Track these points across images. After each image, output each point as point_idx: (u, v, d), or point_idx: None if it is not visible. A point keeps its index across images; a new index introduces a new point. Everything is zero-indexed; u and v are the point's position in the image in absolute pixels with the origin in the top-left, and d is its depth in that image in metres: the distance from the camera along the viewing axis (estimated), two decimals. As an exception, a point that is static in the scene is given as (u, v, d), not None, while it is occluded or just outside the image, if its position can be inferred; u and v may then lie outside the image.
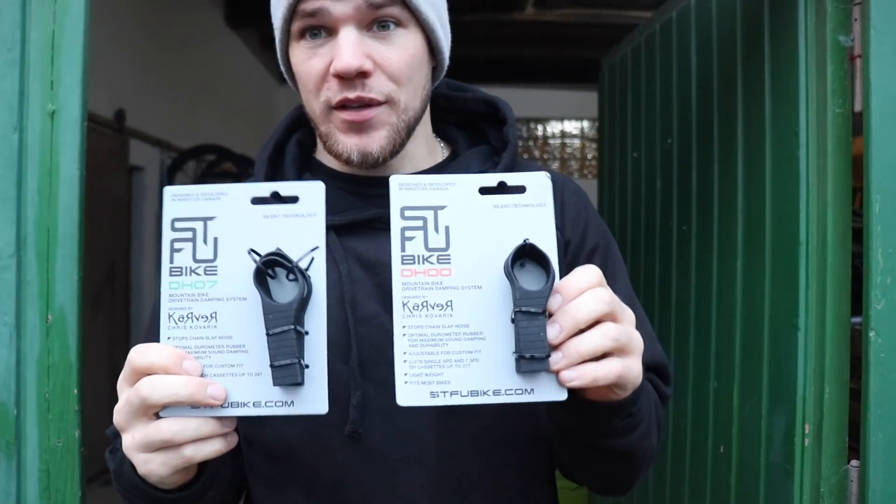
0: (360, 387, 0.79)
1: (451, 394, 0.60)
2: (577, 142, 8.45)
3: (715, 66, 1.72)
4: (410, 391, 0.61)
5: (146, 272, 4.86)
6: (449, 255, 0.62)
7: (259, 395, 0.61)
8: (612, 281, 0.85)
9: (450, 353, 0.60)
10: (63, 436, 1.17)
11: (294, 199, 0.63)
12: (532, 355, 0.59)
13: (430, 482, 0.80)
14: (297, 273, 0.61)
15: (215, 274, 0.63)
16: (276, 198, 0.64)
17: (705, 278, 1.76)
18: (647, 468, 0.86)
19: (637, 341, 0.63)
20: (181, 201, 0.64)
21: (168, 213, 0.63)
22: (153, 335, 0.86)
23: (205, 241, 0.63)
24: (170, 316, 0.62)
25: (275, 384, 0.60)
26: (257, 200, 0.64)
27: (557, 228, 0.87)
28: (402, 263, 0.62)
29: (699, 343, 1.80)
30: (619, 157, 2.45)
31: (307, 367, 0.61)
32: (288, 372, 0.60)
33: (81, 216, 1.17)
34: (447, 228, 0.62)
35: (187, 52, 5.23)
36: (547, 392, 0.61)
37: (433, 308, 0.61)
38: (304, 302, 0.61)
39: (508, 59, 6.33)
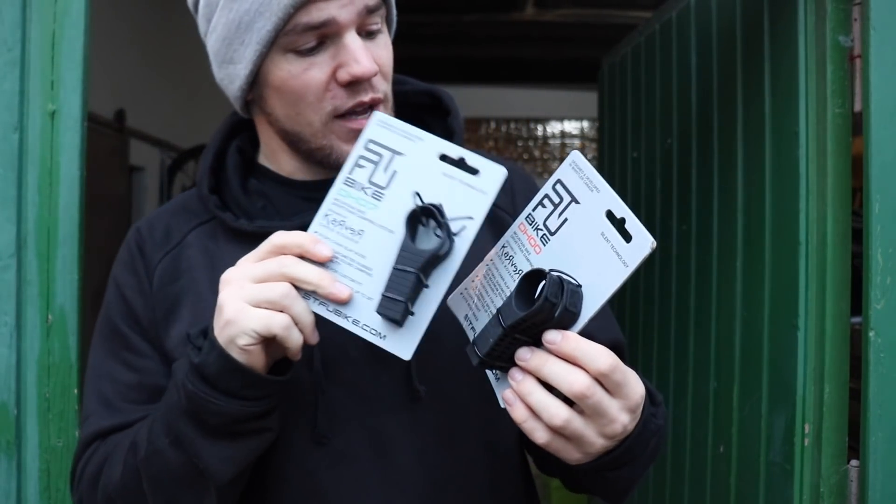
0: (325, 390, 0.79)
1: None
2: (577, 142, 8.45)
3: (715, 66, 1.72)
4: None
5: (146, 272, 4.84)
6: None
7: (361, 316, 0.68)
8: None
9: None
10: (63, 436, 1.17)
11: (475, 172, 0.67)
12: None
13: (404, 479, 0.80)
14: (445, 231, 0.65)
15: (380, 200, 0.68)
16: (460, 165, 0.67)
17: (705, 278, 1.76)
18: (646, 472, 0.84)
19: (610, 429, 0.62)
20: (383, 128, 0.69)
21: (367, 133, 0.69)
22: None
23: (385, 170, 0.68)
24: (326, 215, 0.69)
25: (377, 311, 0.66)
26: (445, 158, 0.68)
27: (507, 213, 0.90)
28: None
29: (699, 343, 1.80)
30: (619, 157, 2.45)
31: (412, 314, 0.66)
32: (393, 306, 0.65)
33: (81, 216, 1.17)
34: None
35: (187, 52, 5.23)
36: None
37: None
38: (438, 258, 0.66)
39: (508, 59, 6.32)
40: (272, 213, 0.86)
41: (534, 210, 0.68)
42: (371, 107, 0.78)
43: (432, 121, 0.92)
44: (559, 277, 0.61)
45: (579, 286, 0.62)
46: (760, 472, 1.45)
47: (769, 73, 1.43)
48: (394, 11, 0.84)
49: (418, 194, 0.67)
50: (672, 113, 2.00)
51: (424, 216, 0.66)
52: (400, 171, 0.68)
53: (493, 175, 0.66)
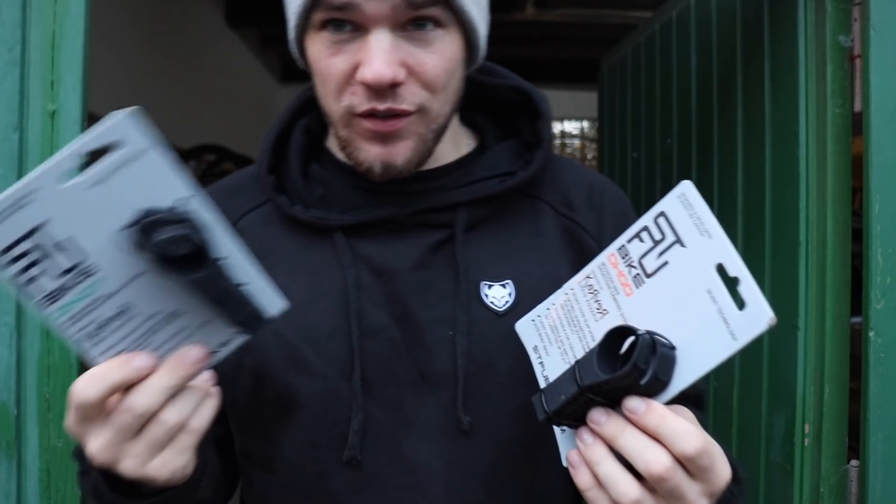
0: (363, 409, 0.72)
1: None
2: (577, 142, 8.45)
3: (715, 66, 1.72)
4: None
5: (146, 272, 4.84)
6: (644, 282, 0.58)
7: (221, 337, 0.57)
8: None
9: (556, 341, 0.63)
10: (63, 436, 1.17)
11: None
12: (550, 397, 0.57)
13: None
14: (183, 222, 0.51)
15: (96, 272, 0.52)
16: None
17: (705, 278, 1.76)
18: None
19: None
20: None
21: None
22: None
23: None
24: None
25: (243, 331, 0.56)
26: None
27: (592, 237, 0.80)
28: (616, 250, 0.60)
29: (699, 343, 1.80)
30: (619, 157, 2.45)
31: (245, 285, 0.55)
32: (250, 313, 0.55)
33: (82, 216, 1.17)
34: (665, 263, 0.57)
35: (187, 52, 5.23)
36: None
37: (595, 302, 0.61)
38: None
39: (508, 59, 6.32)
40: (330, 203, 0.78)
41: (629, 242, 0.59)
42: (397, 116, 0.70)
43: (524, 124, 0.83)
44: (652, 340, 0.52)
45: (673, 349, 0.53)
46: (760, 472, 1.45)
47: (769, 73, 1.43)
48: (469, 10, 0.71)
49: (124, 227, 0.51)
50: (672, 113, 1.99)
51: (152, 231, 0.51)
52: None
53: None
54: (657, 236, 0.57)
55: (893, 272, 1.19)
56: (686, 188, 0.56)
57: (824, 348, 1.27)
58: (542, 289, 0.73)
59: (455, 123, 0.82)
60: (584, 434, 0.55)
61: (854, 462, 1.26)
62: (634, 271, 0.58)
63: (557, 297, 0.65)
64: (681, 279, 0.55)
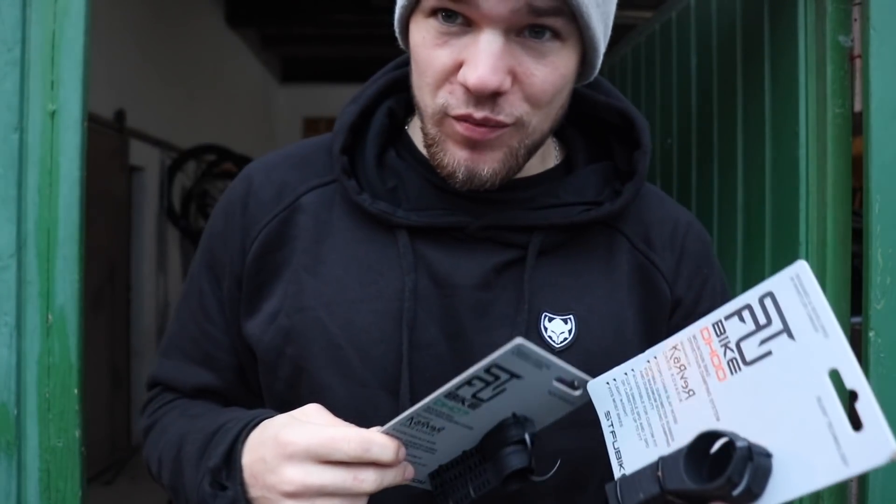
0: None
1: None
2: (577, 142, 8.44)
3: (715, 66, 1.72)
4: None
5: (146, 272, 4.86)
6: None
7: (420, 477, 0.63)
8: None
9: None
10: (63, 436, 1.17)
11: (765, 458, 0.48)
12: (636, 487, 0.56)
13: None
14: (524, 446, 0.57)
15: (476, 409, 0.55)
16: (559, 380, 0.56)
17: (705, 278, 1.76)
18: None
19: None
20: (519, 357, 0.52)
21: (501, 357, 0.52)
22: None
23: (503, 388, 0.54)
24: (411, 419, 0.56)
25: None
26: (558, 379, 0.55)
27: (666, 280, 0.76)
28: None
29: (699, 343, 1.80)
30: (619, 157, 2.45)
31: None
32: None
33: (81, 216, 1.17)
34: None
35: (188, 52, 5.23)
36: None
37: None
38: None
39: (508, 59, 6.32)
40: (400, 197, 0.73)
41: (727, 319, 0.53)
42: (494, 125, 0.65)
43: (618, 150, 0.78)
44: (749, 453, 0.47)
45: (769, 456, 0.48)
46: (760, 472, 1.45)
47: (769, 73, 1.43)
48: (594, 26, 0.66)
49: (517, 416, 0.57)
50: (672, 113, 2.00)
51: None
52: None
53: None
54: (761, 320, 0.51)
55: (893, 272, 1.19)
56: (801, 269, 0.49)
57: (824, 348, 1.27)
58: (603, 329, 0.72)
59: None
60: None
61: (854, 462, 1.26)
62: (731, 354, 0.52)
63: (638, 364, 0.59)
64: (786, 376, 0.48)
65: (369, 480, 0.56)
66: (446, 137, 0.67)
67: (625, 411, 0.58)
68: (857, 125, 1.25)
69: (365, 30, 5.97)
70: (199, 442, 0.68)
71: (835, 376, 0.47)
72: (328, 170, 0.77)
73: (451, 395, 0.54)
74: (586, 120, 0.80)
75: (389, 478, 0.58)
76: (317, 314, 0.71)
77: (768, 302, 0.51)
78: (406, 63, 0.76)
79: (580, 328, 0.71)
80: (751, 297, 0.52)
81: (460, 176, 0.67)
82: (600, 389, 0.60)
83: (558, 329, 0.71)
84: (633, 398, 0.58)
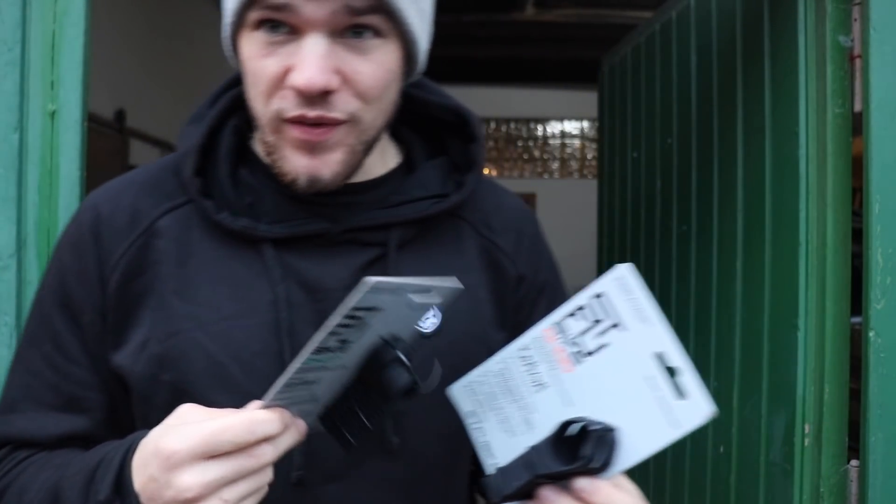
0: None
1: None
2: (577, 142, 8.45)
3: (715, 66, 1.72)
4: None
5: (146, 272, 4.84)
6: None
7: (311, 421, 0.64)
8: None
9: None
10: (63, 436, 1.17)
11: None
12: (507, 479, 0.62)
13: None
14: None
15: (346, 351, 0.58)
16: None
17: (705, 278, 1.76)
18: None
19: None
20: (375, 294, 0.56)
21: (359, 300, 0.55)
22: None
23: (367, 325, 0.58)
24: (288, 385, 0.58)
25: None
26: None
27: (510, 259, 0.83)
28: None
29: (699, 343, 1.80)
30: (619, 157, 2.45)
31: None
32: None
33: (81, 216, 1.17)
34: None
35: (188, 52, 5.23)
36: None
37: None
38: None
39: (508, 59, 6.32)
40: (259, 212, 0.75)
41: (565, 319, 0.61)
42: (327, 124, 0.68)
43: (453, 144, 0.83)
44: (602, 434, 0.57)
45: (612, 431, 0.58)
46: (760, 472, 1.45)
47: (769, 73, 1.43)
48: (411, 22, 0.70)
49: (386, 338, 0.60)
50: (672, 113, 2.00)
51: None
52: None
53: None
54: (595, 317, 0.59)
55: (893, 272, 1.19)
56: (625, 272, 0.57)
57: (824, 348, 1.27)
58: (463, 311, 0.77)
59: (383, 136, 0.80)
60: None
61: (854, 462, 1.26)
62: (573, 348, 0.60)
63: (491, 365, 0.65)
64: (621, 363, 0.57)
65: (266, 454, 0.58)
66: (284, 144, 0.70)
67: (486, 409, 0.65)
68: (857, 125, 1.25)
69: (365, 30, 5.96)
70: (80, 483, 0.66)
71: (661, 358, 0.56)
72: (179, 192, 0.77)
73: (319, 350, 0.56)
74: (420, 120, 0.85)
75: (284, 443, 0.59)
76: (193, 336, 0.72)
77: (600, 301, 0.59)
78: (239, 80, 0.78)
79: (444, 313, 0.76)
80: (584, 298, 0.59)
81: (302, 182, 0.70)
82: (462, 392, 0.66)
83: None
84: (493, 396, 0.64)
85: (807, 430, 1.29)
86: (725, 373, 1.63)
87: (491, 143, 8.35)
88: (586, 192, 6.63)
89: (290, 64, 0.67)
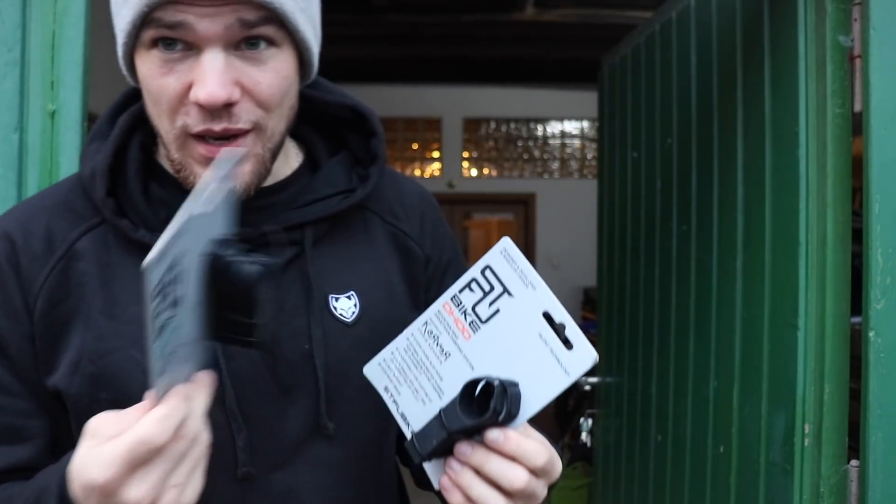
0: (242, 428, 0.74)
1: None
2: (577, 142, 8.45)
3: (715, 66, 1.72)
4: None
5: (146, 272, 4.85)
6: (480, 327, 0.67)
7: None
8: None
9: (410, 379, 0.71)
10: (63, 436, 1.17)
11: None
12: (421, 440, 0.67)
13: None
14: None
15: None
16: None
17: (705, 278, 1.76)
18: None
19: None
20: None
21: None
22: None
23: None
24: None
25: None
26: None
27: (417, 243, 0.87)
28: (449, 299, 0.68)
29: (699, 343, 1.80)
30: (619, 157, 2.45)
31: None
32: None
33: (82, 216, 1.17)
34: (497, 311, 0.66)
35: (187, 52, 5.22)
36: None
37: (437, 346, 0.69)
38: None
39: (508, 59, 6.32)
40: None
41: (460, 292, 0.67)
42: (232, 136, 0.70)
43: (353, 139, 0.86)
44: (503, 385, 0.62)
45: (517, 385, 0.63)
46: (760, 472, 1.45)
47: (769, 73, 1.44)
48: (303, 29, 0.72)
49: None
50: (672, 113, 2.00)
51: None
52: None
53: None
54: (486, 287, 0.66)
55: (893, 272, 1.19)
56: (506, 244, 0.65)
57: (824, 348, 1.27)
58: (380, 297, 0.82)
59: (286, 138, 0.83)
60: (454, 463, 0.65)
61: (854, 462, 1.26)
62: (470, 318, 0.66)
63: (399, 342, 0.70)
64: (514, 324, 0.64)
65: (191, 428, 0.59)
66: (192, 160, 0.71)
67: (399, 382, 0.70)
68: (857, 125, 1.25)
69: (365, 30, 5.97)
70: None
71: (548, 317, 0.63)
72: (92, 212, 0.78)
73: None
74: (319, 119, 0.88)
75: (199, 408, 0.60)
76: (127, 353, 0.73)
77: (488, 273, 0.66)
78: (136, 95, 0.80)
79: (362, 301, 0.81)
80: (474, 271, 0.66)
81: None
82: (375, 370, 0.72)
83: (346, 306, 0.80)
84: (403, 370, 0.70)
85: (807, 430, 1.29)
86: (725, 373, 1.63)
87: (491, 143, 8.35)
88: (586, 192, 6.63)
89: (189, 80, 0.68)
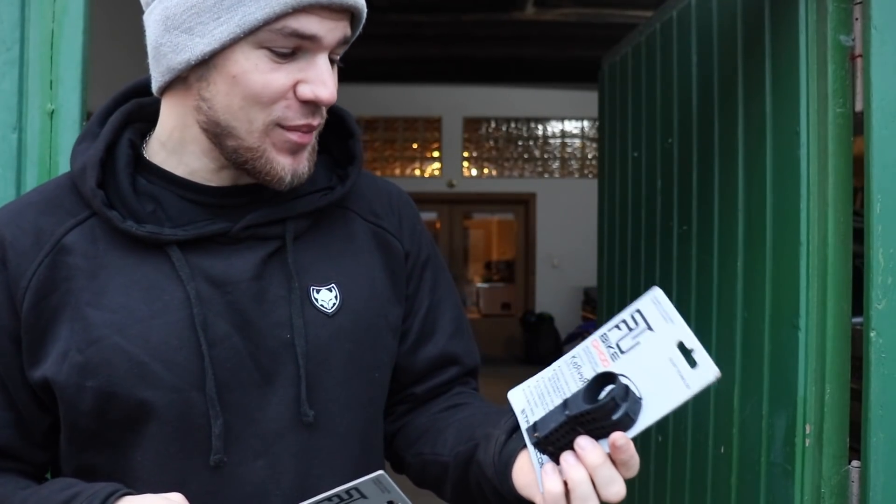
0: (220, 415, 0.77)
1: None
2: (577, 142, 8.46)
3: (715, 66, 1.72)
4: None
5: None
6: (619, 357, 0.74)
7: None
8: (441, 290, 0.94)
9: (540, 396, 0.77)
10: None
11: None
12: (538, 429, 0.72)
13: (287, 501, 0.79)
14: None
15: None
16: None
17: (705, 278, 1.76)
18: None
19: None
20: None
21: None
22: None
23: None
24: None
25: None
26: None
27: (396, 238, 0.91)
28: (598, 337, 0.75)
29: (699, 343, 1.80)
30: (620, 157, 2.45)
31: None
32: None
33: (81, 216, 1.17)
34: (637, 343, 0.73)
35: (187, 51, 5.22)
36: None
37: (577, 374, 0.75)
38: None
39: (508, 59, 6.32)
40: (162, 218, 0.80)
41: (609, 331, 0.73)
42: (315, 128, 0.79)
43: (333, 141, 0.90)
44: (626, 385, 0.68)
45: (640, 398, 0.68)
46: (761, 472, 1.45)
47: (770, 73, 1.43)
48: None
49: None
50: (672, 113, 1.99)
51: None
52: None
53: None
54: (632, 326, 0.73)
55: (894, 272, 1.19)
56: (657, 293, 0.72)
57: (825, 348, 1.27)
58: (361, 290, 0.86)
59: None
60: (569, 456, 0.68)
61: (855, 462, 1.26)
62: (612, 350, 0.73)
63: (546, 372, 0.77)
64: (649, 353, 0.70)
65: None
66: (271, 147, 0.77)
67: (536, 404, 0.75)
68: (857, 125, 1.25)
69: (365, 29, 5.98)
70: None
71: (681, 346, 0.68)
72: (80, 207, 0.80)
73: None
74: None
75: None
76: (113, 341, 0.76)
77: (637, 315, 0.73)
78: (127, 96, 0.86)
79: (343, 293, 0.84)
80: (625, 314, 0.73)
81: (288, 178, 0.78)
82: (517, 395, 0.77)
83: (326, 297, 0.84)
84: (543, 395, 0.75)
85: (808, 431, 1.29)
86: (726, 373, 1.63)
87: (491, 143, 8.35)
88: (586, 191, 6.63)
89: (296, 78, 0.75)
